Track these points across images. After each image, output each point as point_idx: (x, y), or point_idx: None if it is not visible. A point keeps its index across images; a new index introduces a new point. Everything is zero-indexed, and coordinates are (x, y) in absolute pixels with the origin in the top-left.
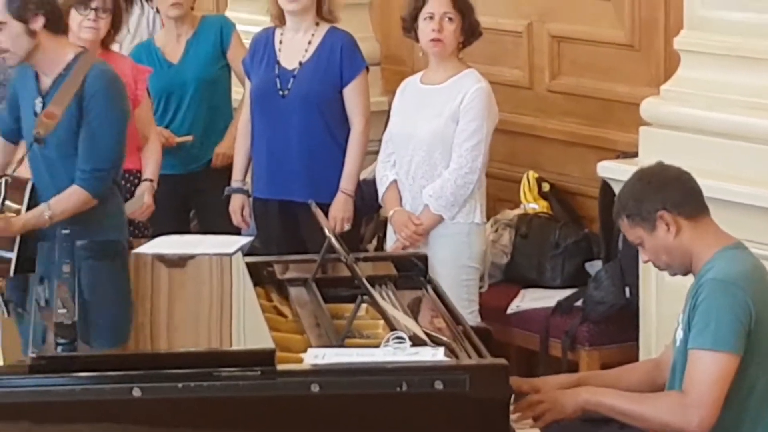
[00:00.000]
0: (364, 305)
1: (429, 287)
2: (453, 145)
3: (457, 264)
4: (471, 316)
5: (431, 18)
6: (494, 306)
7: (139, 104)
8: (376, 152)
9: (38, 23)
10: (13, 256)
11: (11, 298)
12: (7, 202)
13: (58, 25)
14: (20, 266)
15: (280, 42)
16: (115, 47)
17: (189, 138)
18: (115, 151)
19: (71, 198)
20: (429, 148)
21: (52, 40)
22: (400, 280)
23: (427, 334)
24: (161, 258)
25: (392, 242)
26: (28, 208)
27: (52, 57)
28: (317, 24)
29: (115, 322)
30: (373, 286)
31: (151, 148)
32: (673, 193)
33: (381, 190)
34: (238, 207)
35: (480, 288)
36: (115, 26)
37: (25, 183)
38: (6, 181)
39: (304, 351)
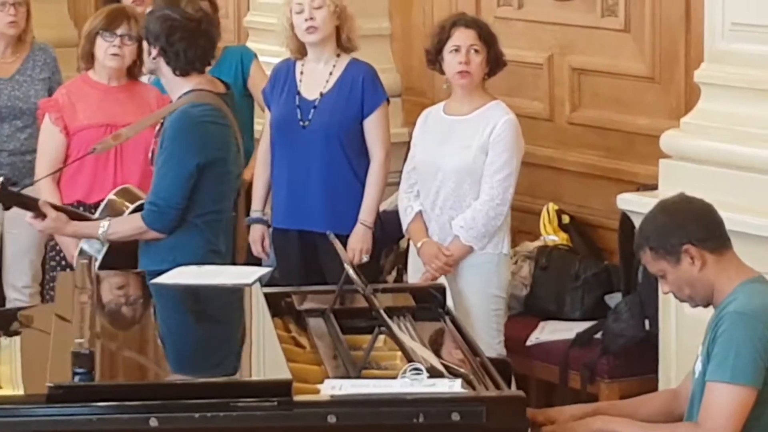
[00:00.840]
0: (381, 336)
1: (447, 318)
2: (483, 177)
3: (486, 294)
4: (499, 347)
5: (457, 50)
6: (514, 337)
7: None
8: (397, 183)
9: (154, 53)
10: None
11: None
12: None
13: (173, 63)
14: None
15: (301, 72)
16: (144, 78)
17: None
18: (175, 192)
19: (129, 223)
20: (457, 180)
21: (169, 73)
22: (418, 312)
23: (445, 366)
24: (181, 288)
25: (414, 273)
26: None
27: (173, 84)
28: (338, 55)
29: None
30: (391, 317)
31: None
32: (698, 226)
33: (405, 221)
34: (258, 237)
35: None
36: (142, 56)
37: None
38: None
39: (322, 382)
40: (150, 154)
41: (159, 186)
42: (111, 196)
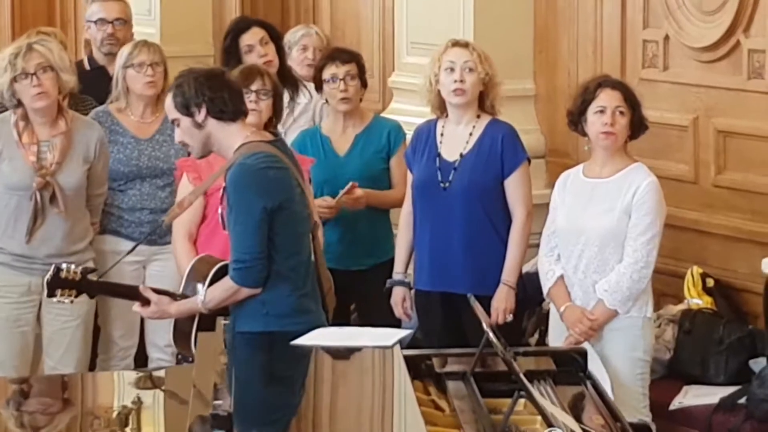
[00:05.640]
0: (521, 400)
1: (588, 383)
2: (627, 239)
3: (631, 358)
4: (645, 411)
5: (603, 111)
6: (657, 401)
7: None
8: (539, 245)
9: (202, 115)
10: (193, 330)
11: None
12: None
13: (223, 113)
14: None
15: (442, 134)
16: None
17: (351, 185)
18: (253, 243)
19: (221, 286)
20: (601, 243)
21: (221, 129)
22: (559, 375)
23: (585, 431)
24: (322, 349)
25: (556, 336)
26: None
27: (225, 144)
28: (478, 116)
29: (274, 413)
30: (531, 381)
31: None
32: None
33: (547, 285)
34: (399, 299)
35: None
36: (277, 112)
37: (216, 262)
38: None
39: None
40: (220, 218)
41: (237, 242)
42: (188, 269)
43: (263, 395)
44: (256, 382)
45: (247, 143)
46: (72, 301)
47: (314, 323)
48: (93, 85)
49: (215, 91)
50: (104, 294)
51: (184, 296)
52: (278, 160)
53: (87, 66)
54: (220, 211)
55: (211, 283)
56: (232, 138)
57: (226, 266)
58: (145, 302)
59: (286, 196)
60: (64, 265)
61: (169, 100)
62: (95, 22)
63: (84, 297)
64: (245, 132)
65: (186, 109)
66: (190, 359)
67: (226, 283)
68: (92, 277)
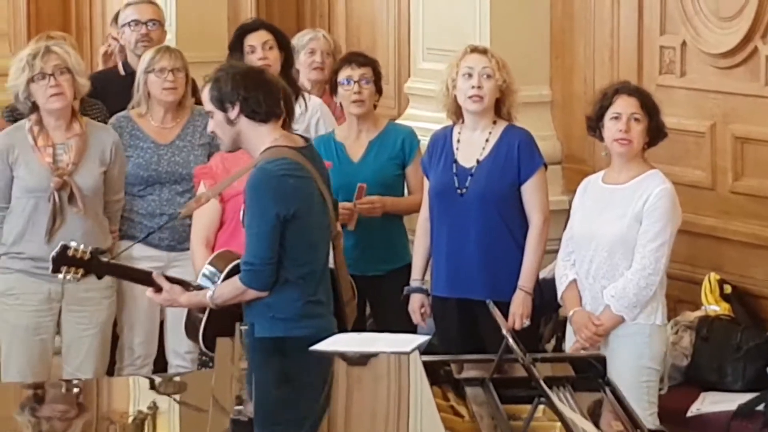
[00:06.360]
0: (541, 407)
1: (607, 389)
2: (636, 246)
3: (637, 365)
4: (651, 419)
5: (618, 118)
6: (674, 409)
7: None
8: (555, 251)
9: (235, 112)
10: (202, 323)
11: None
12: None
13: (256, 113)
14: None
15: (458, 141)
16: None
17: (360, 187)
18: (264, 247)
19: (230, 285)
20: (611, 249)
21: (252, 128)
22: (577, 382)
23: None
24: (339, 355)
25: (572, 342)
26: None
27: (253, 144)
28: (494, 122)
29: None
30: (550, 387)
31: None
32: None
33: (560, 289)
34: (417, 306)
35: (660, 390)
36: (288, 112)
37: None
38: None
39: None
40: (241, 215)
41: (249, 245)
42: (207, 264)
43: (282, 401)
44: (274, 388)
45: (273, 147)
46: (78, 280)
47: (322, 327)
48: (127, 90)
49: (250, 91)
50: (114, 275)
51: (198, 287)
52: (300, 168)
53: (122, 71)
54: (242, 210)
55: (225, 279)
56: (261, 139)
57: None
58: (158, 289)
59: (302, 205)
60: (73, 243)
61: (205, 92)
62: (129, 24)
63: (103, 305)
64: (275, 134)
65: (220, 104)
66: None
67: (235, 283)
68: (104, 258)
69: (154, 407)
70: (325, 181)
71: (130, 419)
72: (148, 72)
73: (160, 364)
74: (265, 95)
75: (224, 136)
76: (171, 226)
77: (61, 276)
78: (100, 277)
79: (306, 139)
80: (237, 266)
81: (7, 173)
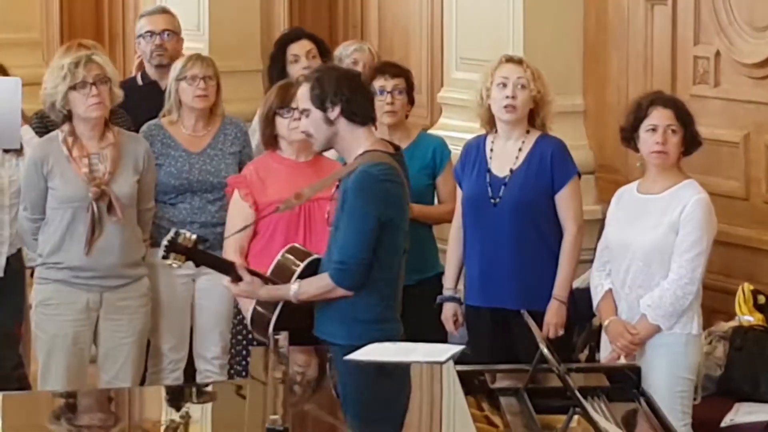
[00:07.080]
0: (575, 417)
1: (642, 400)
2: (672, 256)
3: (672, 375)
4: (684, 429)
5: (654, 130)
6: (707, 419)
7: None
8: (590, 261)
9: (335, 112)
10: (273, 317)
11: None
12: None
13: (355, 115)
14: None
15: (491, 150)
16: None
17: None
18: (361, 248)
19: (317, 282)
20: (647, 258)
21: (350, 130)
22: (612, 392)
23: None
24: (374, 364)
25: (606, 352)
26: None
27: (348, 146)
28: (528, 131)
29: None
30: (585, 397)
31: None
32: None
33: (596, 298)
34: (450, 315)
35: (693, 400)
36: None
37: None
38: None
39: None
40: (326, 216)
41: (345, 244)
42: (280, 256)
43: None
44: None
45: (371, 151)
46: (179, 266)
47: (396, 331)
48: (145, 100)
49: (353, 93)
50: (206, 264)
51: (272, 281)
52: (398, 175)
53: (140, 82)
54: (328, 208)
55: (300, 276)
56: (358, 142)
57: (315, 261)
58: (237, 279)
59: (397, 211)
60: (182, 231)
61: (305, 90)
62: (143, 35)
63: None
64: (371, 139)
65: (321, 103)
66: (266, 343)
67: (323, 280)
68: (201, 247)
69: (186, 416)
70: (409, 190)
71: (162, 428)
72: (179, 80)
73: (189, 370)
74: (363, 99)
75: (319, 135)
76: (201, 234)
77: (168, 263)
78: (197, 265)
79: (396, 147)
80: (312, 262)
81: (41, 185)
